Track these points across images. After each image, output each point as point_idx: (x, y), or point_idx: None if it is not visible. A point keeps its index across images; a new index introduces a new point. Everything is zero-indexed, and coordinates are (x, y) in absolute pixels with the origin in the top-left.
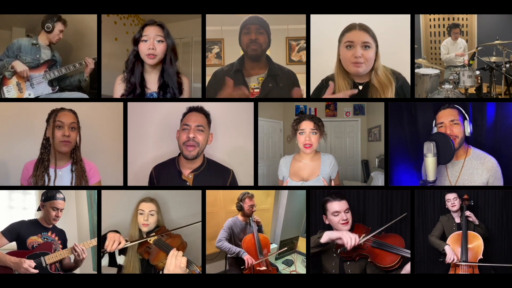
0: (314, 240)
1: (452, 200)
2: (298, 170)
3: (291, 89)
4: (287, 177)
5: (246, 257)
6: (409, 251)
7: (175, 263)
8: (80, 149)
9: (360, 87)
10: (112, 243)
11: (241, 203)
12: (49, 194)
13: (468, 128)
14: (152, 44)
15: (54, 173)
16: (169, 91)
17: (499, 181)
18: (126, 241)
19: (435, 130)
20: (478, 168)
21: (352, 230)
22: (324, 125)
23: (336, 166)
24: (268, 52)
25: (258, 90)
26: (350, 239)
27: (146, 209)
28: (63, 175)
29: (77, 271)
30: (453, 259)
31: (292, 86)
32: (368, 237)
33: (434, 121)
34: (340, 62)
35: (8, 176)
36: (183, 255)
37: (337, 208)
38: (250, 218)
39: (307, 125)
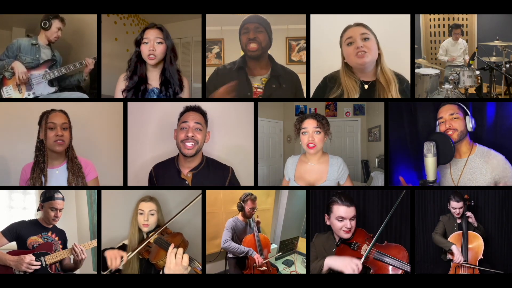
0: (315, 267)
1: (458, 209)
2: (304, 173)
3: (293, 90)
4: (293, 179)
5: (256, 256)
6: (409, 265)
7: (175, 261)
8: (73, 148)
9: (366, 86)
10: (114, 260)
11: (242, 203)
12: (48, 194)
13: (470, 123)
14: (152, 46)
15: (51, 173)
16: (171, 87)
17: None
18: (124, 245)
19: (437, 128)
20: (481, 167)
21: (353, 235)
22: (329, 123)
23: (346, 169)
24: (268, 52)
25: (261, 91)
26: (353, 271)
27: (146, 209)
28: (60, 174)
29: (77, 271)
30: (461, 260)
31: (294, 86)
32: (371, 245)
33: (436, 120)
34: (346, 64)
35: (8, 176)
36: (184, 253)
37: (343, 214)
38: (251, 219)
39: (309, 124)
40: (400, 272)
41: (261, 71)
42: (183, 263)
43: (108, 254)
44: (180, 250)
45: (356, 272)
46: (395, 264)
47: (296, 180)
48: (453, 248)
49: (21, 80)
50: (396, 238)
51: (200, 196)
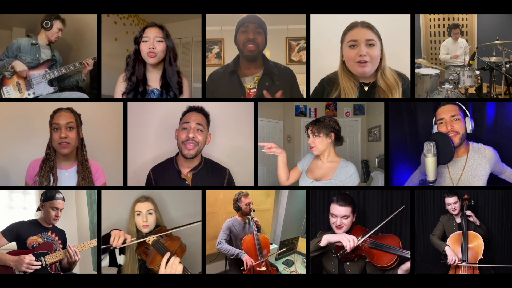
0: (314, 244)
1: (452, 204)
2: (314, 167)
3: (288, 87)
4: (305, 171)
5: (245, 258)
6: (405, 251)
7: (169, 271)
8: (85, 148)
9: (366, 88)
10: (118, 239)
11: (237, 203)
12: (49, 194)
13: (470, 125)
14: (152, 44)
15: (60, 174)
16: (171, 90)
17: (500, 165)
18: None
19: (435, 127)
20: (480, 161)
21: (350, 231)
22: (330, 126)
23: (356, 179)
24: (267, 52)
25: (254, 90)
26: (349, 242)
27: (143, 209)
28: (69, 176)
29: (77, 271)
30: (455, 260)
31: (289, 83)
32: (366, 237)
33: (434, 119)
34: (344, 64)
35: (8, 176)
36: (180, 261)
37: (335, 212)
38: (249, 217)
39: (310, 129)
40: (395, 257)
41: (255, 71)
42: (176, 272)
43: (114, 232)
44: (177, 260)
45: (352, 243)
46: (390, 251)
47: (307, 173)
48: (446, 249)
49: (23, 76)
50: None
51: (200, 222)
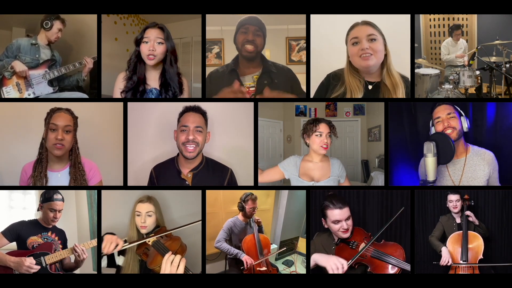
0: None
1: (454, 202)
2: (307, 170)
3: (287, 85)
4: (296, 176)
5: (245, 258)
6: (408, 264)
7: (170, 269)
8: (78, 150)
9: (370, 87)
10: (109, 245)
11: (243, 203)
12: (47, 195)
13: (465, 124)
14: (152, 46)
15: (53, 176)
16: (170, 89)
17: (497, 174)
18: (125, 241)
19: (432, 129)
20: (480, 164)
21: (351, 234)
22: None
23: (344, 170)
24: (267, 52)
25: (253, 89)
26: (337, 269)
27: (143, 210)
28: (62, 177)
29: (77, 271)
30: (448, 262)
31: (287, 81)
32: (366, 246)
33: (431, 120)
34: (350, 63)
35: (8, 176)
36: (181, 259)
37: (338, 217)
38: (251, 218)
39: (325, 128)
40: (397, 269)
41: (254, 70)
42: (178, 271)
43: (106, 238)
44: (177, 258)
45: (340, 271)
46: (392, 262)
47: (301, 176)
48: (443, 249)
49: (23, 76)
50: (396, 238)
51: (200, 221)
